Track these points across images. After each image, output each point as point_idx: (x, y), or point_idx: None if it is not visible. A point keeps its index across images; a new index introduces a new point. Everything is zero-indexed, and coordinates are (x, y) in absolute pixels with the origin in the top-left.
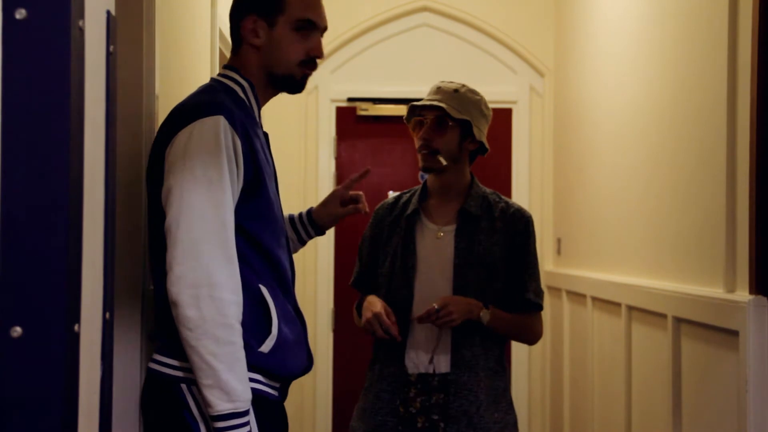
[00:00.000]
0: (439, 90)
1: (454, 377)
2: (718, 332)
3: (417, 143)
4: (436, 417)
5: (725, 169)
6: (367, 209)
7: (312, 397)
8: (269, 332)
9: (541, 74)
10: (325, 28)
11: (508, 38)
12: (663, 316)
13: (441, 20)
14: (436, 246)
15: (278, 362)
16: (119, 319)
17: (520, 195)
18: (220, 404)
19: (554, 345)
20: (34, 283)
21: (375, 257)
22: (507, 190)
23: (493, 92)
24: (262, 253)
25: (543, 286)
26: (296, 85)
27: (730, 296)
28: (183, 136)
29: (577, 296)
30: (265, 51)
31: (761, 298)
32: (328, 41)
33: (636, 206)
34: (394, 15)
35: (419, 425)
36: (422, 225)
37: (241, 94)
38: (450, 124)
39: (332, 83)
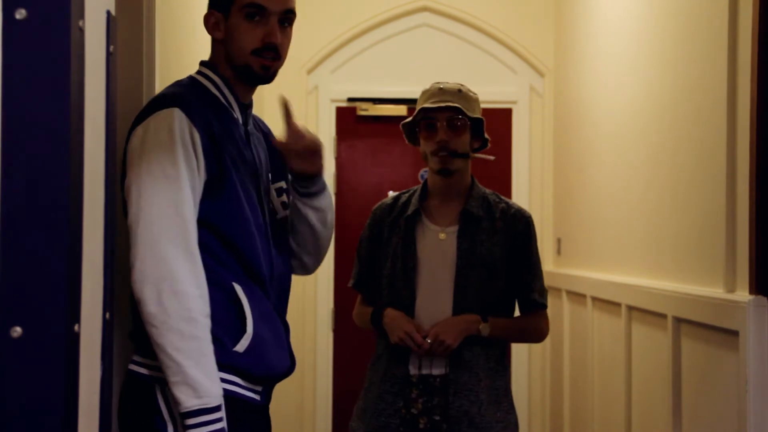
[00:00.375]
0: (442, 91)
1: (454, 377)
2: (718, 332)
3: (430, 146)
4: (437, 418)
5: (725, 169)
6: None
7: (312, 397)
8: (244, 331)
9: (541, 74)
10: (282, 12)
11: (508, 38)
12: (663, 316)
13: (441, 20)
14: (438, 247)
15: (255, 362)
16: (119, 319)
17: (520, 195)
18: (188, 401)
19: (554, 345)
20: (34, 283)
21: (375, 258)
22: (507, 190)
23: (493, 92)
24: (232, 250)
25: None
26: (258, 77)
27: (730, 296)
28: (139, 131)
29: (577, 296)
30: (226, 44)
31: (761, 298)
32: (328, 41)
33: (636, 206)
34: (394, 15)
35: (421, 426)
36: (423, 226)
37: (214, 90)
38: (465, 124)
39: (332, 83)
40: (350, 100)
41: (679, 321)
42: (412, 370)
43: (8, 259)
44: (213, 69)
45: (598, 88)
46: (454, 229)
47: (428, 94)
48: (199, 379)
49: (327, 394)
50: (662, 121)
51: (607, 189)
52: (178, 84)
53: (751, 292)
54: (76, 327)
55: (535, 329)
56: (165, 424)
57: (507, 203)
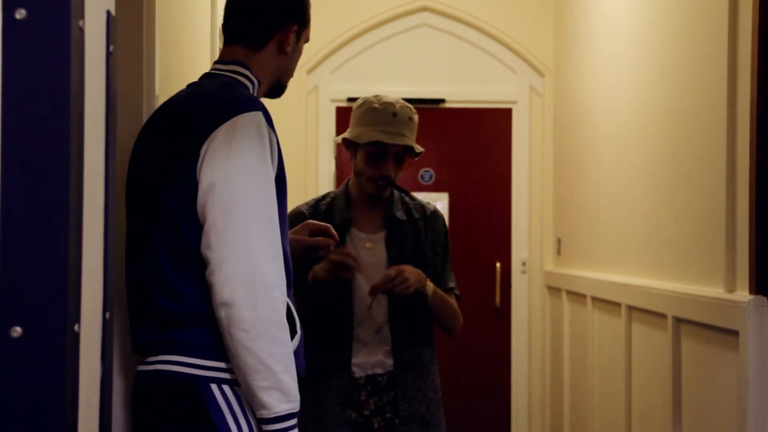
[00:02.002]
0: (396, 118)
1: (401, 378)
2: (718, 332)
3: (371, 172)
4: (390, 415)
5: (725, 169)
6: (337, 239)
7: None
8: (296, 331)
9: (541, 74)
10: None
11: (508, 38)
12: (663, 316)
13: (441, 20)
14: (368, 255)
15: (300, 361)
16: (119, 319)
17: (520, 195)
18: (278, 405)
19: (554, 345)
20: (34, 283)
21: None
22: (507, 190)
23: (493, 92)
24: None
25: (543, 285)
26: (280, 95)
27: (730, 296)
28: (224, 130)
29: (577, 296)
30: (286, 60)
31: (761, 298)
32: (328, 41)
33: (636, 206)
34: (394, 15)
35: (376, 426)
36: (351, 235)
37: (252, 92)
38: (410, 160)
39: (332, 83)
40: (350, 100)
41: (679, 321)
42: (358, 373)
43: (8, 259)
44: (251, 71)
45: (598, 88)
46: (381, 235)
47: (379, 117)
48: (290, 384)
49: None
50: (662, 121)
51: (607, 189)
52: (233, 86)
53: (751, 292)
54: (76, 327)
55: (458, 313)
56: (225, 422)
57: (420, 203)
